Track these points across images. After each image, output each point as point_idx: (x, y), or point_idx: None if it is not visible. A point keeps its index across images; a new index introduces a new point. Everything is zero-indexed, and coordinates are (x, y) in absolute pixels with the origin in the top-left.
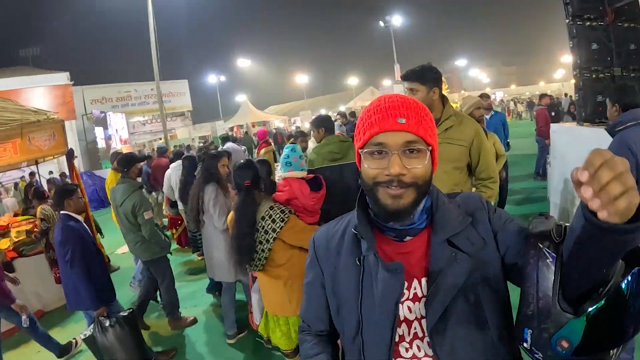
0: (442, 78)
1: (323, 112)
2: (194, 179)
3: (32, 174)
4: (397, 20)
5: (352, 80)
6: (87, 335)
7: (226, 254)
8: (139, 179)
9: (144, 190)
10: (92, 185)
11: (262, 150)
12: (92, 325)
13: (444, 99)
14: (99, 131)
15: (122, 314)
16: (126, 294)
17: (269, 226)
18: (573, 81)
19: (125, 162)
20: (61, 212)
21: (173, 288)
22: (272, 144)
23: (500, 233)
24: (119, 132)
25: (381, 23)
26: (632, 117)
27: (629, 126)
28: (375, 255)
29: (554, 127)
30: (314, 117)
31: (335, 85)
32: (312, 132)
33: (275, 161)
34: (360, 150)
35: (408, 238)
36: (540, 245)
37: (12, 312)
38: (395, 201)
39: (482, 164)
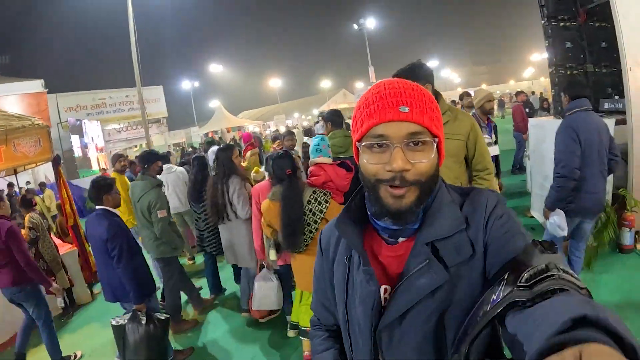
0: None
1: (296, 115)
2: (204, 177)
3: (10, 185)
4: (370, 22)
5: (325, 84)
6: (119, 323)
7: (247, 242)
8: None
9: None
10: None
11: (248, 153)
12: (125, 315)
13: (437, 95)
14: (75, 139)
15: (158, 315)
16: None
17: (316, 208)
18: (542, 79)
19: (146, 159)
20: (98, 207)
21: (178, 291)
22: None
23: (493, 247)
24: (95, 140)
25: (355, 26)
26: (577, 105)
27: (574, 112)
28: (359, 256)
29: (532, 121)
30: (327, 110)
31: (308, 89)
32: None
33: (261, 163)
34: (358, 143)
35: (401, 239)
36: (503, 277)
37: (37, 302)
38: (397, 201)
39: (478, 155)
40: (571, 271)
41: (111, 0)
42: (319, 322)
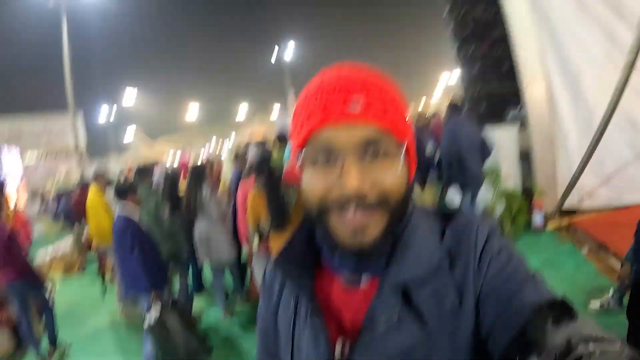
0: None
1: (214, 139)
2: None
3: None
4: (288, 55)
5: (244, 107)
6: (157, 318)
7: (222, 234)
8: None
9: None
10: None
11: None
12: (150, 315)
13: None
14: None
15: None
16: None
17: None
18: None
19: (143, 171)
20: (118, 213)
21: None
22: None
23: (493, 300)
24: (13, 174)
25: (272, 61)
26: (453, 116)
27: (451, 121)
28: (307, 302)
29: None
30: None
31: (227, 113)
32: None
33: None
34: (297, 154)
35: (364, 278)
36: None
37: (41, 290)
38: (357, 236)
39: None
40: (601, 335)
41: (24, 18)
42: None
